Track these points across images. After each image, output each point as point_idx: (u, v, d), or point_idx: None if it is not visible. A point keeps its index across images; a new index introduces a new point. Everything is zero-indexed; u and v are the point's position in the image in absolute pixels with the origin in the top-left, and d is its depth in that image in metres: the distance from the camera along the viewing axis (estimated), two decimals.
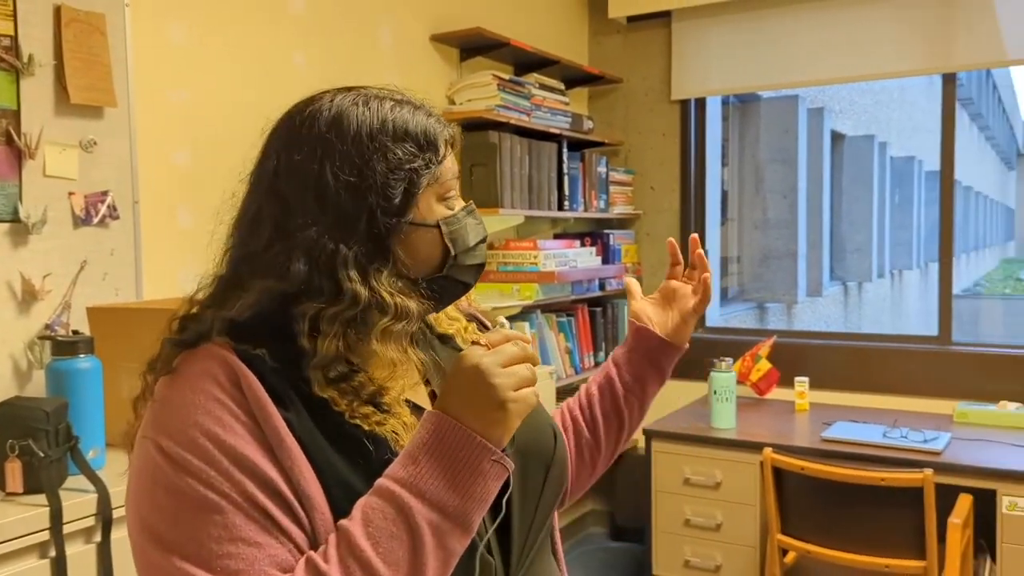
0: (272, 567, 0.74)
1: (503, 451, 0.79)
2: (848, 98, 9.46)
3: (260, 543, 0.75)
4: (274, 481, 0.77)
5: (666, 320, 1.14)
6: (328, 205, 0.84)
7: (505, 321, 0.84)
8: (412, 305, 0.86)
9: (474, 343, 0.82)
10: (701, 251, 1.15)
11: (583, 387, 1.19)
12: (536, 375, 0.81)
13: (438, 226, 0.90)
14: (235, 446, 0.77)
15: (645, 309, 1.16)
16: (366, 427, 0.83)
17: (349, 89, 0.91)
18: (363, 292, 0.83)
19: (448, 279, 0.92)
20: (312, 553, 0.76)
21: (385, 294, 0.84)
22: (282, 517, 0.76)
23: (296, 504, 0.77)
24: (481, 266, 0.96)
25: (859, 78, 3.57)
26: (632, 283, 1.20)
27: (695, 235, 1.19)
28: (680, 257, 1.18)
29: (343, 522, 0.76)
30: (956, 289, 3.71)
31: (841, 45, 3.43)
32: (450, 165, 0.92)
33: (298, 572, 0.74)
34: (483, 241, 0.96)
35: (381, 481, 0.77)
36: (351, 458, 0.81)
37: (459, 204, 0.94)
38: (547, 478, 0.95)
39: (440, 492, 0.75)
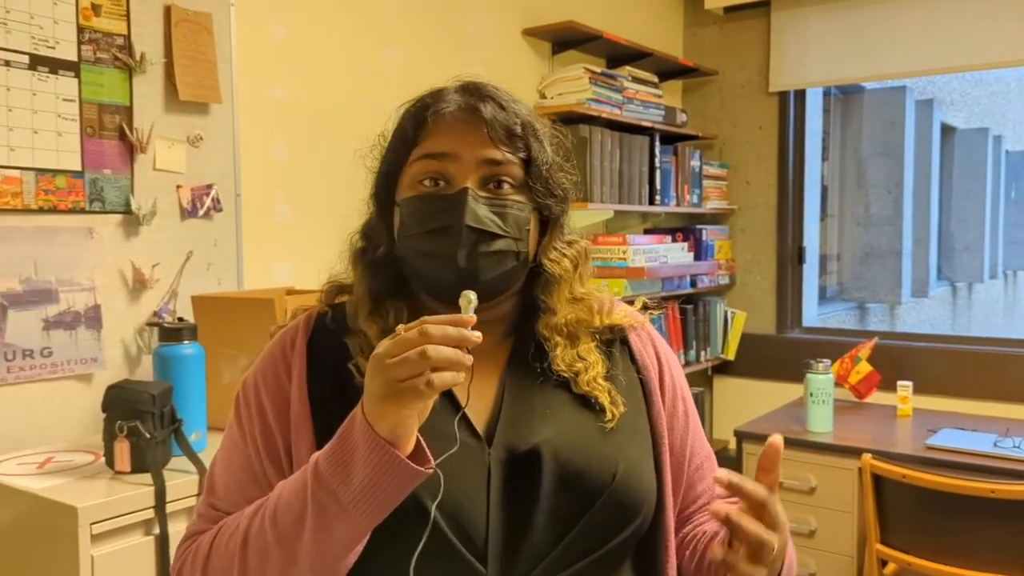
0: (244, 502, 0.90)
1: (420, 440, 0.79)
2: (960, 89, 8.98)
3: (243, 479, 0.93)
4: (274, 437, 0.92)
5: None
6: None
7: (473, 298, 0.77)
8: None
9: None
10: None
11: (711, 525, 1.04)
12: (437, 356, 0.74)
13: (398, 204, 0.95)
14: (262, 397, 0.94)
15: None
16: None
17: None
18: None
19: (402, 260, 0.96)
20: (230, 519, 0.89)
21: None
22: (269, 467, 0.92)
23: (284, 460, 0.92)
24: (438, 257, 0.90)
25: (972, 67, 3.37)
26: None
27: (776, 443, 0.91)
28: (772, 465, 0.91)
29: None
30: None
31: (952, 32, 3.24)
32: (433, 146, 0.92)
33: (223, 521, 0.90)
34: (438, 231, 0.90)
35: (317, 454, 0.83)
36: None
37: (452, 186, 0.91)
38: (593, 508, 0.89)
39: (327, 472, 0.79)
